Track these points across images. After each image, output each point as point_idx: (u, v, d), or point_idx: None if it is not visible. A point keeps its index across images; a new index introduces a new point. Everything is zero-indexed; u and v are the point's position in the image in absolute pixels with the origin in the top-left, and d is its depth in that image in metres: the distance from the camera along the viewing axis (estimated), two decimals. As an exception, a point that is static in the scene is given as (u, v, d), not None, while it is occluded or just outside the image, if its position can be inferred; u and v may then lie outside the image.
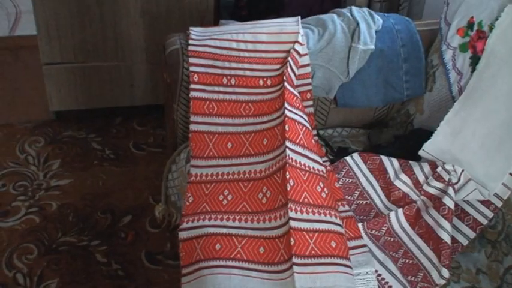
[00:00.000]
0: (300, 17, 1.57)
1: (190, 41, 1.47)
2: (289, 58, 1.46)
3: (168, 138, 1.61)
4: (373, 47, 1.53)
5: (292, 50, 1.47)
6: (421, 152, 1.41)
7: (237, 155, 1.41)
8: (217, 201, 1.32)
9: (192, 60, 1.46)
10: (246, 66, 1.47)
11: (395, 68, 1.59)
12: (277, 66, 1.48)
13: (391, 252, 1.28)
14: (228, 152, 1.41)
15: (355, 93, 1.58)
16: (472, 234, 1.30)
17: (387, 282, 1.21)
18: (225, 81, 1.46)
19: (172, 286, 1.68)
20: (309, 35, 1.55)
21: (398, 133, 1.62)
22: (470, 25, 1.45)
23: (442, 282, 1.23)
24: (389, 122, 1.71)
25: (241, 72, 1.47)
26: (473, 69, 1.40)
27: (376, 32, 1.57)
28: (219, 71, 1.47)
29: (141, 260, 1.79)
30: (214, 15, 2.15)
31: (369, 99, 1.61)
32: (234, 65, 1.47)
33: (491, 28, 1.37)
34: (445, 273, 1.24)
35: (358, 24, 1.55)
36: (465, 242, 1.30)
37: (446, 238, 1.26)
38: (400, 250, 1.29)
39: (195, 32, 1.51)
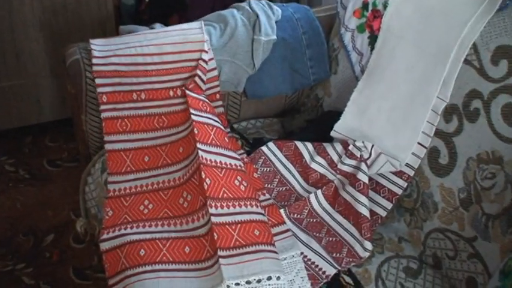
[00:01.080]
0: (203, 23, 1.55)
1: (94, 60, 1.42)
2: (197, 70, 1.46)
3: (81, 150, 1.57)
4: (275, 37, 1.56)
5: (200, 61, 1.47)
6: (332, 133, 1.45)
7: (154, 167, 1.40)
8: (138, 211, 1.31)
9: (98, 81, 1.42)
10: (154, 79, 1.45)
11: (299, 55, 1.62)
12: (186, 75, 1.47)
13: (314, 233, 1.31)
14: (145, 165, 1.40)
15: (263, 84, 1.60)
16: (389, 205, 1.34)
17: (313, 262, 1.23)
18: (134, 96, 1.44)
19: (104, 299, 1.64)
20: (211, 32, 1.55)
21: (310, 117, 1.66)
22: (365, 5, 1.50)
23: (366, 254, 1.27)
24: (301, 108, 1.74)
25: (149, 86, 1.45)
26: (372, 48, 1.46)
27: (276, 22, 1.60)
28: (127, 87, 1.44)
29: (70, 277, 1.74)
30: (116, 22, 2.12)
31: (278, 88, 1.63)
32: (142, 79, 1.44)
33: (385, 6, 1.43)
34: (368, 245, 1.28)
35: (258, 16, 1.56)
36: (384, 214, 1.34)
37: (365, 212, 1.30)
38: (322, 230, 1.32)
39: (97, 46, 1.46)
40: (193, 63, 1.47)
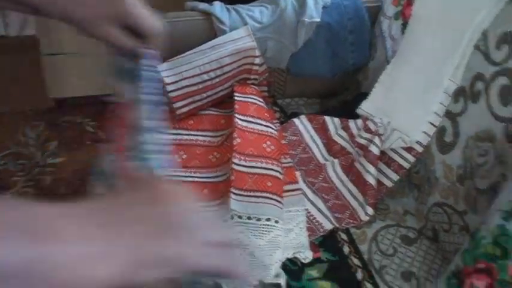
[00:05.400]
0: (249, 28, 1.66)
1: (168, 87, 1.55)
2: (251, 75, 1.66)
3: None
4: (318, 19, 1.69)
5: (253, 66, 1.64)
6: (358, 110, 1.57)
7: (195, 129, 1.59)
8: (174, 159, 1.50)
9: (176, 105, 1.57)
10: (219, 88, 1.63)
11: (342, 39, 1.74)
12: (242, 77, 1.66)
13: (323, 195, 1.43)
14: (188, 126, 1.60)
15: (304, 64, 1.75)
16: (395, 177, 1.44)
17: (315, 218, 1.37)
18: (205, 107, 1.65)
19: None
20: (263, 12, 1.72)
21: (346, 99, 1.78)
22: (402, -5, 1.61)
23: (367, 218, 1.38)
24: (342, 91, 1.86)
25: (215, 96, 1.64)
26: (403, 34, 1.56)
27: (325, 7, 1.74)
28: (199, 103, 1.62)
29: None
30: None
31: (318, 69, 1.77)
32: (209, 92, 1.62)
33: (418, -5, 1.53)
34: (369, 210, 1.39)
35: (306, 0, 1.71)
36: (390, 184, 1.44)
37: (372, 180, 1.41)
38: (331, 193, 1.45)
39: (165, 72, 1.56)
40: (247, 67, 1.64)
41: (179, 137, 1.57)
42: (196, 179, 1.43)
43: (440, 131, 1.39)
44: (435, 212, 1.38)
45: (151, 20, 0.85)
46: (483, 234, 1.07)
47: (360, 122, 1.53)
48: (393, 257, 1.31)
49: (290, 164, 1.50)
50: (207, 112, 1.63)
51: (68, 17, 0.83)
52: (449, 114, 1.37)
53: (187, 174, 1.45)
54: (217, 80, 1.61)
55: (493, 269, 1.02)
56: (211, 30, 1.68)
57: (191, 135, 1.58)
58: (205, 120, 1.61)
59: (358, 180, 1.45)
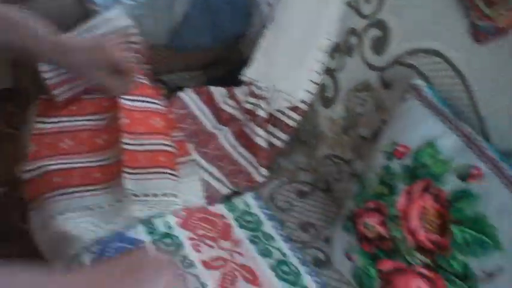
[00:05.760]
0: (123, 6, 1.61)
1: (45, 75, 1.45)
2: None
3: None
4: (192, -10, 1.70)
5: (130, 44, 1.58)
6: (242, 77, 1.59)
7: (77, 114, 1.53)
8: (57, 147, 1.44)
9: (56, 91, 1.48)
10: None
11: (219, 10, 1.76)
12: None
13: (217, 162, 1.45)
14: (69, 112, 1.53)
15: (184, 37, 1.74)
16: (285, 137, 1.48)
17: (211, 185, 1.39)
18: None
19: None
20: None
21: (230, 68, 1.80)
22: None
23: (262, 179, 1.42)
24: (226, 61, 1.88)
25: None
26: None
27: (198, -21, 1.74)
28: (79, 88, 1.51)
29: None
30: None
31: (199, 41, 1.77)
32: None
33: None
34: (263, 171, 1.43)
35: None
36: (280, 144, 1.48)
37: (262, 143, 1.45)
38: (225, 160, 1.47)
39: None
40: (125, 46, 1.58)
41: (62, 124, 1.51)
42: (87, 164, 1.39)
43: (322, 88, 1.45)
44: (325, 164, 1.44)
45: (126, 60, 1.23)
46: (369, 177, 1.14)
47: (245, 88, 1.56)
48: (291, 211, 1.36)
49: (181, 138, 1.50)
50: (89, 96, 1.58)
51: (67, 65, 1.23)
52: (328, 71, 1.43)
53: (75, 160, 1.41)
54: None
55: (382, 207, 1.09)
56: (84, 12, 1.63)
57: (75, 121, 1.52)
58: (88, 104, 1.56)
59: (249, 144, 1.48)
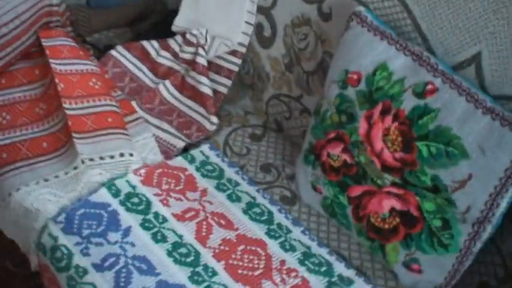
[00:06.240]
0: None
1: None
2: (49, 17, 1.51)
3: None
4: None
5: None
6: (173, 27, 1.56)
7: (9, 86, 1.45)
8: None
9: None
10: (23, 39, 1.46)
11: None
12: (43, 21, 1.51)
13: (165, 117, 1.43)
14: (1, 85, 1.45)
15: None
16: (228, 82, 1.47)
17: (165, 140, 1.37)
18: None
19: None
20: None
21: (156, 20, 1.75)
22: None
23: (213, 127, 1.42)
24: (150, 14, 1.83)
25: (21, 48, 1.47)
26: None
27: None
28: (5, 59, 1.43)
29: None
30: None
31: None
32: (14, 45, 1.44)
33: None
34: (214, 119, 1.42)
35: None
36: (225, 90, 1.47)
37: (207, 91, 1.44)
38: (173, 113, 1.45)
39: None
40: (46, 9, 1.51)
41: None
42: (31, 135, 1.33)
43: (258, 28, 1.44)
44: (273, 104, 1.46)
45: None
46: (325, 108, 1.17)
47: (179, 38, 1.53)
48: (248, 155, 1.37)
49: (122, 97, 1.46)
50: (18, 66, 1.50)
51: None
52: (262, 10, 1.42)
53: (17, 134, 1.34)
54: (18, 30, 1.47)
55: (344, 135, 1.12)
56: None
57: (7, 94, 1.45)
58: (19, 75, 1.48)
59: (194, 94, 1.46)
